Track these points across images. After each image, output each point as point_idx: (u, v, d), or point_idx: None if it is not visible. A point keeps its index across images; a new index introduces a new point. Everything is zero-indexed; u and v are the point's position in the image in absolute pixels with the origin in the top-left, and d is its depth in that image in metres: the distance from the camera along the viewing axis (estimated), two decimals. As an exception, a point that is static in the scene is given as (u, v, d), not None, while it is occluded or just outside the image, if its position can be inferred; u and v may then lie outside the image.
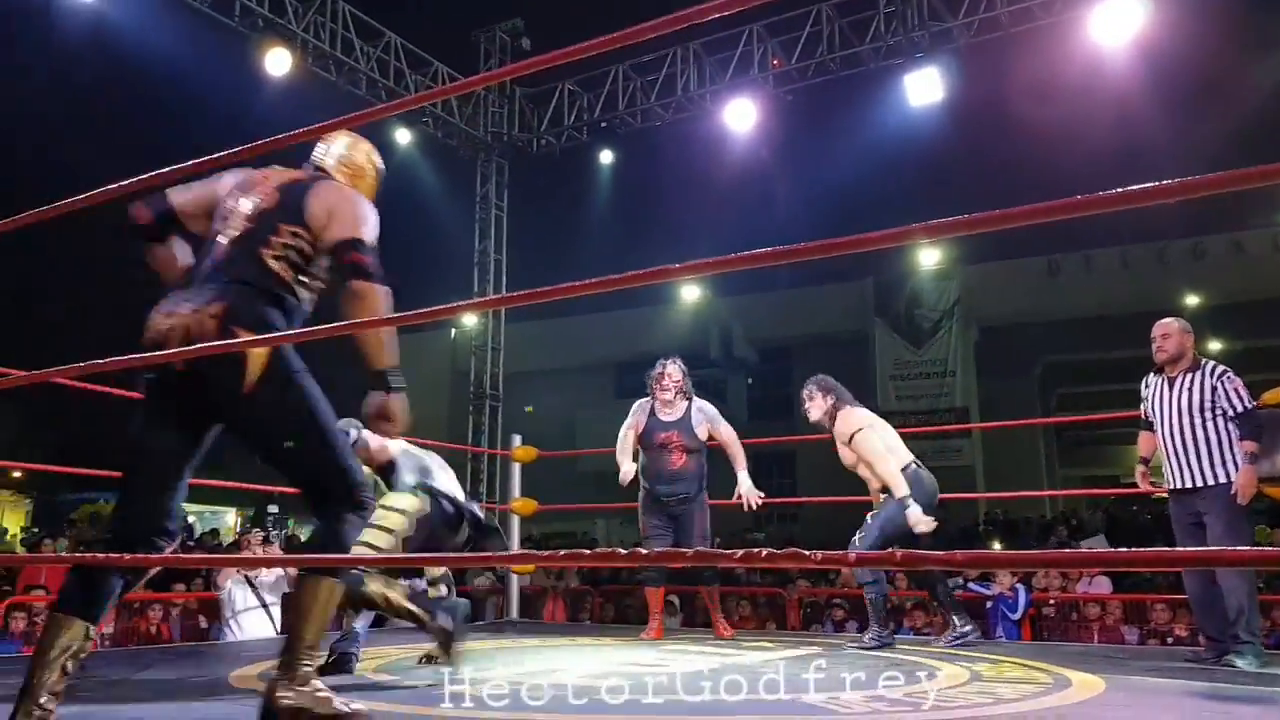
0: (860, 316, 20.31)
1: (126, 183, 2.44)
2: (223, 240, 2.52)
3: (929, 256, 19.50)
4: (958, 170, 19.35)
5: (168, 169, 2.39)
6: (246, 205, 2.55)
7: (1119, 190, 1.48)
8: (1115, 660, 4.31)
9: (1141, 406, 4.58)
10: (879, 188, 18.59)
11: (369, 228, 2.53)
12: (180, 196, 2.64)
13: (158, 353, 2.34)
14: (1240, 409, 4.23)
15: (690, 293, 21.15)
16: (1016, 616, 7.14)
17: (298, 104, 11.21)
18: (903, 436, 5.15)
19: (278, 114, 11.07)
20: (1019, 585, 7.21)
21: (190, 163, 2.39)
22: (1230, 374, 4.33)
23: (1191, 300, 17.75)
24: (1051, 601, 7.63)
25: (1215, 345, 16.45)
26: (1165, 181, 1.45)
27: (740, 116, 11.91)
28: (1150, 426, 4.52)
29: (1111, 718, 2.74)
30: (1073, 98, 12.86)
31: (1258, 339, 17.40)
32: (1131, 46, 10.01)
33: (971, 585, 7.65)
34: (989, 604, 7.35)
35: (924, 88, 10.94)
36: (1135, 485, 4.81)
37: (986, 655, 4.47)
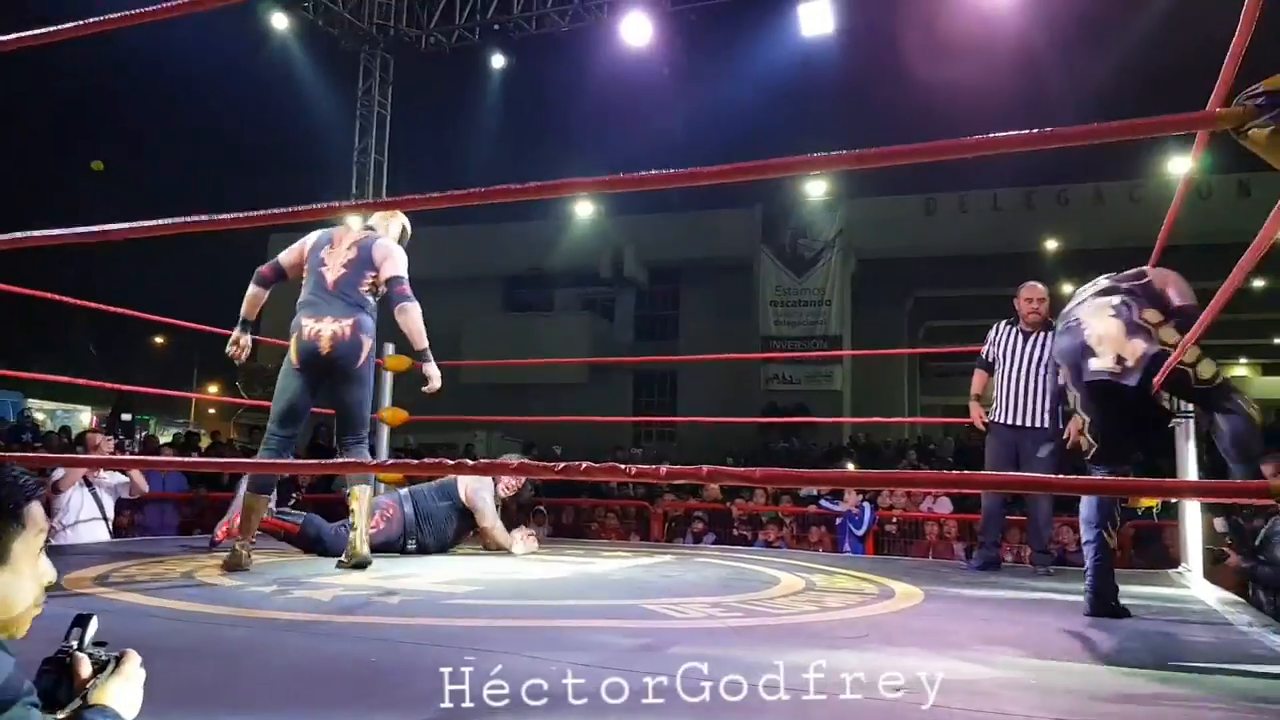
0: (748, 243, 20.52)
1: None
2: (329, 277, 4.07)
3: (816, 188, 19.79)
4: (845, 103, 19.58)
5: None
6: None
7: (986, 136, 1.64)
8: (940, 574, 4.66)
9: (985, 349, 5.11)
10: (772, 114, 18.72)
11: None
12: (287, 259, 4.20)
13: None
14: None
15: (583, 209, 20.93)
16: (861, 532, 7.56)
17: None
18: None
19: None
20: (865, 503, 7.62)
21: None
22: None
23: (1053, 244, 18.55)
24: (894, 519, 8.08)
25: (1069, 288, 17.10)
26: (1029, 130, 1.61)
27: (636, 31, 11.82)
28: (989, 368, 5.08)
29: (917, 625, 2.99)
30: (963, 40, 13.12)
31: (1112, 283, 18.26)
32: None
33: (823, 502, 8.05)
34: (838, 520, 7.75)
35: (816, 19, 11.07)
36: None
37: (827, 567, 4.77)
